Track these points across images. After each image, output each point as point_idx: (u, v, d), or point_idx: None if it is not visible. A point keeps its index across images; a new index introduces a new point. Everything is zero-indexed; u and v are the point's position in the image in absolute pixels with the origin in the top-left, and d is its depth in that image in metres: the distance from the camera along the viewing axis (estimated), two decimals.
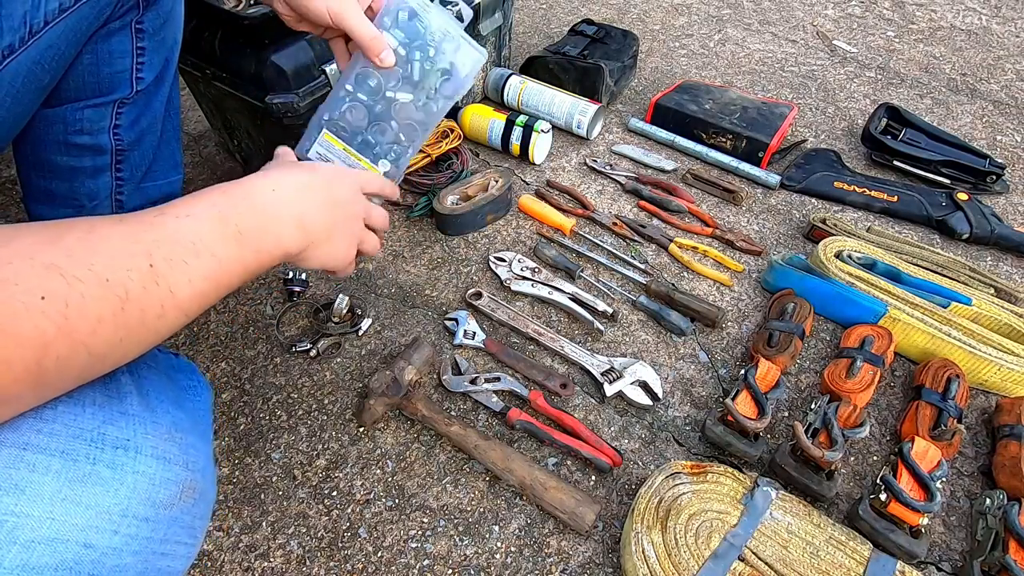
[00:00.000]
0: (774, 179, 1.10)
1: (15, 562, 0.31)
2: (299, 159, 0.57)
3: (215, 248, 0.39)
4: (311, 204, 0.48)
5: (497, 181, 1.02)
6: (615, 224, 1.02)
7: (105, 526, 0.34)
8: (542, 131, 1.10)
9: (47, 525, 0.32)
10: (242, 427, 0.75)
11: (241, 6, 0.83)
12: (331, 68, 0.86)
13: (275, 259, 0.45)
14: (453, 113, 1.17)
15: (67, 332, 0.31)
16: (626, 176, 1.12)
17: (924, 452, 0.65)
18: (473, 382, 0.78)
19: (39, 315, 0.30)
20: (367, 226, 0.56)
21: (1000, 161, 1.13)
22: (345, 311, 0.83)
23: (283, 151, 0.55)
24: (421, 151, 1.07)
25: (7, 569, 0.31)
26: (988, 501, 0.66)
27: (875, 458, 0.74)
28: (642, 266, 0.96)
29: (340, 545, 0.65)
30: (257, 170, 0.48)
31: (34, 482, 0.32)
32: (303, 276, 0.89)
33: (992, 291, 0.87)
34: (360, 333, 0.84)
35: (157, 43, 0.64)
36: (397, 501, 0.68)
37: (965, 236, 1.01)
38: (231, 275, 0.41)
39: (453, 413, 0.76)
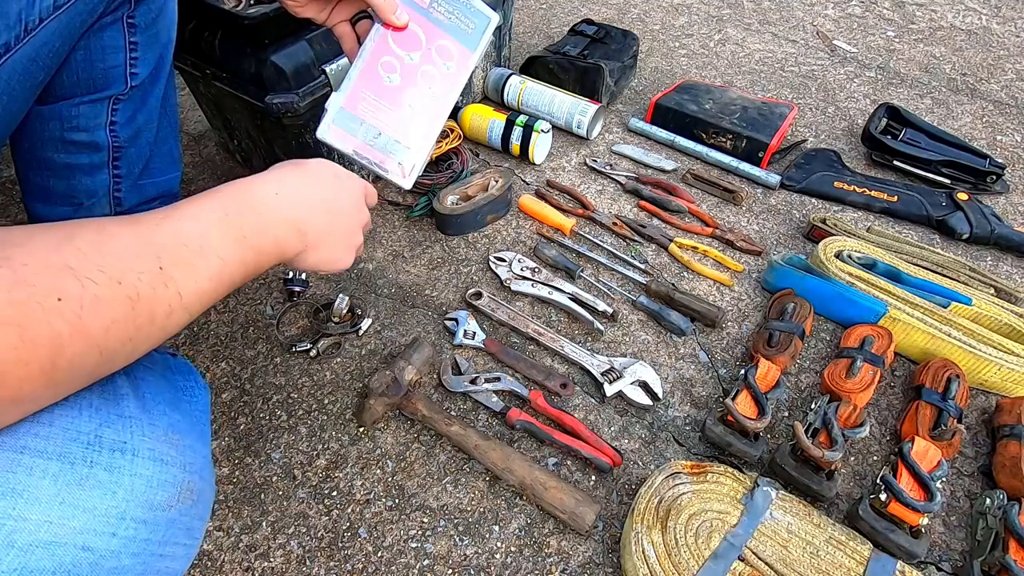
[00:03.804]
0: (774, 179, 1.10)
1: (13, 566, 0.31)
2: (318, 140, 0.58)
3: (220, 250, 0.40)
4: (312, 211, 0.48)
5: (497, 181, 1.02)
6: (615, 224, 1.02)
7: (103, 529, 0.34)
8: (542, 131, 1.10)
9: (45, 529, 0.32)
10: (242, 427, 0.75)
11: (241, 6, 0.83)
12: (331, 68, 0.86)
13: (272, 260, 0.46)
14: (453, 113, 1.17)
15: (82, 332, 0.32)
16: (626, 176, 1.12)
17: (924, 452, 0.65)
18: (473, 382, 0.78)
19: (56, 316, 0.30)
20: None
21: (1000, 161, 1.13)
22: (345, 311, 0.83)
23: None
24: None
25: (5, 573, 0.30)
26: (988, 501, 0.66)
27: (875, 458, 0.74)
28: (642, 266, 0.96)
29: (340, 545, 0.65)
30: (260, 170, 0.49)
31: (31, 486, 0.32)
32: (303, 276, 0.89)
33: (992, 291, 0.87)
34: (360, 333, 0.84)
35: (150, 38, 0.64)
36: (397, 501, 0.68)
37: (965, 236, 1.01)
38: (233, 275, 0.41)
39: (453, 413, 0.76)
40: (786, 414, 0.78)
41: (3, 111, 0.55)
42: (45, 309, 0.30)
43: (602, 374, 0.79)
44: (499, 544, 0.65)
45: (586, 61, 1.23)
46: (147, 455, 0.38)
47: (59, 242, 0.32)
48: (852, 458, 0.73)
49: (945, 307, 0.82)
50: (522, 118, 1.11)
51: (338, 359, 0.82)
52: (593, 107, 1.15)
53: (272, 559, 0.64)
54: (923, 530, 0.62)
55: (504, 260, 0.94)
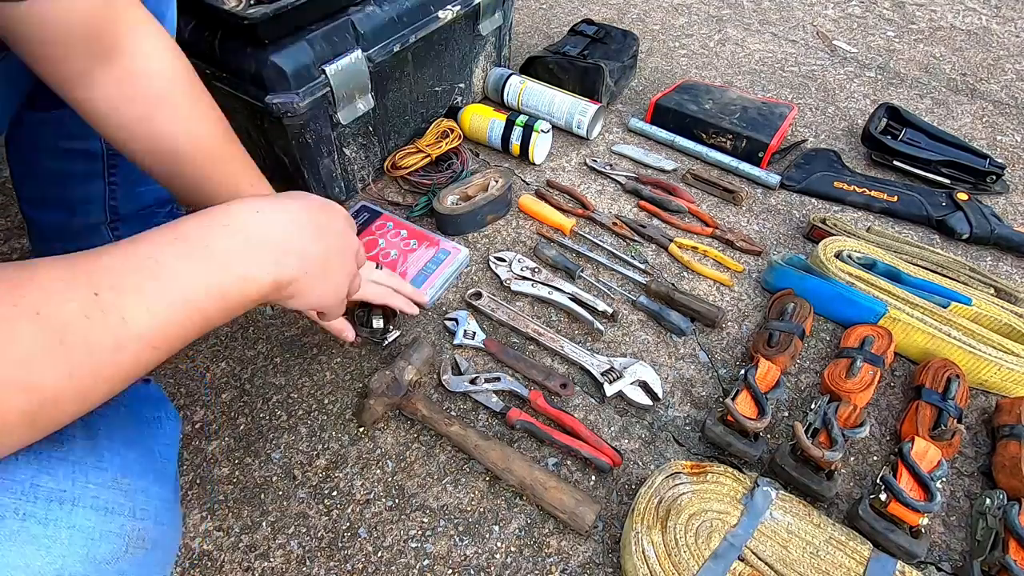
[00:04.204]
0: (774, 179, 1.10)
1: None
2: None
3: (178, 268, 0.35)
4: (302, 230, 0.43)
5: (497, 181, 1.02)
6: (615, 224, 1.02)
7: None
8: (542, 131, 1.10)
9: None
10: (242, 427, 0.75)
11: (241, 6, 0.83)
12: (331, 68, 0.86)
13: (263, 286, 0.40)
14: (453, 113, 1.17)
15: None
16: (626, 176, 1.12)
17: (924, 452, 0.65)
18: (473, 382, 0.78)
19: None
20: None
21: (1000, 161, 1.13)
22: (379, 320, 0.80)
23: None
24: (421, 151, 1.07)
25: None
26: (988, 501, 0.66)
27: (875, 458, 0.74)
28: (642, 266, 0.96)
29: (340, 545, 0.65)
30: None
31: None
32: None
33: (992, 291, 0.87)
34: (385, 344, 0.82)
35: None
36: (397, 501, 0.68)
37: (965, 236, 1.01)
38: (207, 299, 0.36)
39: (453, 413, 0.76)
40: (786, 414, 0.78)
41: None
42: None
43: (602, 374, 0.79)
44: (499, 544, 0.65)
45: (586, 61, 1.23)
46: (88, 504, 0.35)
47: None
48: (852, 458, 0.73)
49: (945, 307, 0.82)
50: (522, 118, 1.11)
51: (338, 359, 0.82)
52: (593, 107, 1.15)
53: (272, 559, 0.64)
54: (923, 530, 0.62)
55: (504, 260, 0.94)
